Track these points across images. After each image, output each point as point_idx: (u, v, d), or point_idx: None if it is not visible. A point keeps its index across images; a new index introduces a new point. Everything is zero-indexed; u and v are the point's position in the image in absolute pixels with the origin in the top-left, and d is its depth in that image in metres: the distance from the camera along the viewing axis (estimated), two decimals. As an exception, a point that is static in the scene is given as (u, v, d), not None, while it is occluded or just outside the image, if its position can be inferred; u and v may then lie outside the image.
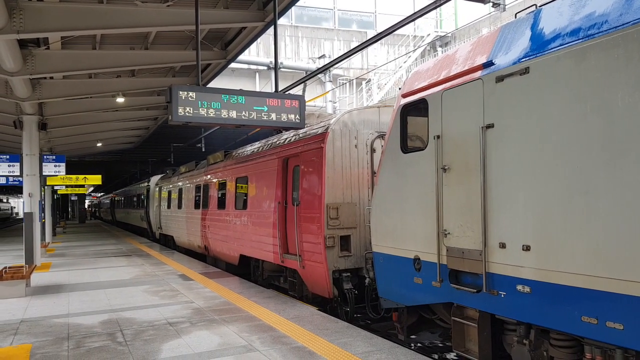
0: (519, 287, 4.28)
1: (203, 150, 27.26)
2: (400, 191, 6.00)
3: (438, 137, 5.38)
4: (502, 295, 4.43)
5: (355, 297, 8.01)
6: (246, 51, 21.56)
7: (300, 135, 9.17)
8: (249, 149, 12.10)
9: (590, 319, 3.72)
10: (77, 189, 38.53)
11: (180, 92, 6.07)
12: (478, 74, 4.89)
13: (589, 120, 3.78)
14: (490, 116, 4.67)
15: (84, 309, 7.86)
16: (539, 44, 4.31)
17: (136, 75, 13.28)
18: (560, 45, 4.08)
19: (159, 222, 21.81)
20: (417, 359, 5.03)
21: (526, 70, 4.35)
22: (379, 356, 5.10)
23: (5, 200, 79.18)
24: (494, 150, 4.60)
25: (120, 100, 13.15)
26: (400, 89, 6.59)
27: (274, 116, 6.65)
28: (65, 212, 54.37)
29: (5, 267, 9.60)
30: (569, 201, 3.88)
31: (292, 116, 6.71)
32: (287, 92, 15.32)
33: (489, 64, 4.80)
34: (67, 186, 29.03)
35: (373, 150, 8.45)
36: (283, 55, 22.64)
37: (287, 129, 7.05)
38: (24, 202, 13.36)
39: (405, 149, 6.02)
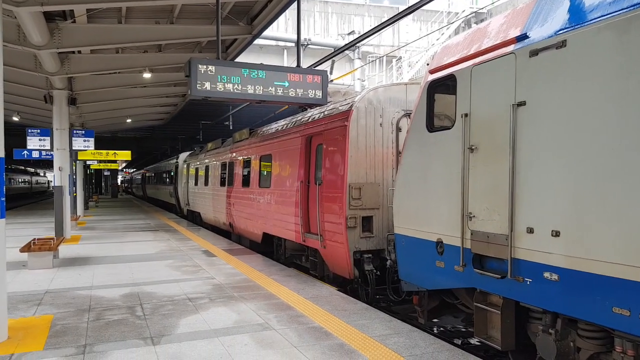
0: (547, 275, 4.04)
1: (231, 128, 27.35)
2: (425, 172, 5.77)
3: (466, 115, 5.10)
4: (528, 282, 4.20)
5: (376, 278, 7.88)
6: (274, 27, 21.30)
7: (324, 113, 8.96)
8: (274, 126, 11.97)
9: (622, 311, 3.46)
10: (109, 164, 39.49)
11: (200, 66, 5.94)
12: (510, 47, 4.57)
13: (631, 98, 3.46)
14: (522, 93, 4.37)
15: (107, 282, 7.99)
16: (578, 15, 3.96)
17: (162, 50, 13.24)
18: (602, 16, 3.73)
19: (187, 199, 22.12)
20: (435, 343, 4.87)
21: (563, 44, 4.02)
22: (396, 339, 4.96)
23: (42, 175, 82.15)
24: (525, 130, 4.31)
25: (147, 75, 13.18)
26: (428, 64, 6.30)
27: (295, 92, 6.46)
28: (98, 186, 55.96)
29: (34, 239, 9.86)
30: (605, 185, 3.59)
31: (314, 92, 6.51)
32: (309, 67, 15.04)
33: (522, 37, 4.47)
34: (98, 161, 29.70)
35: (399, 130, 8.19)
36: (312, 31, 22.25)
37: (310, 106, 6.85)
38: (54, 175, 13.68)
39: (431, 127, 5.76)
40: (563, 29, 4.04)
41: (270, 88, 6.26)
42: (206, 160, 18.41)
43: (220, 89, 5.96)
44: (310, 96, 6.50)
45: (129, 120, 23.11)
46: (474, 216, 4.86)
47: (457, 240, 5.13)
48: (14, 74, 13.61)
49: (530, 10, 4.57)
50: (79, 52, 12.58)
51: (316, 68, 17.55)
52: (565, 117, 3.95)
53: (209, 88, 5.92)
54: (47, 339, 5.10)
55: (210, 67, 5.95)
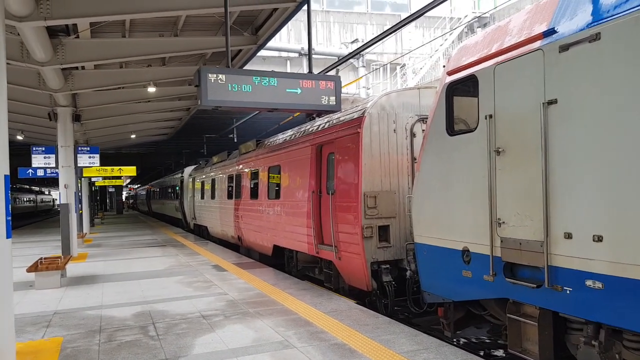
0: (589, 283, 3.77)
1: (235, 140, 27.21)
2: (446, 177, 5.53)
3: (490, 116, 4.87)
4: (568, 292, 3.93)
5: (394, 290, 7.60)
6: (277, 38, 21.18)
7: (335, 121, 8.76)
8: (281, 137, 11.78)
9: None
10: (114, 180, 39.39)
11: (210, 75, 5.75)
12: (537, 44, 4.35)
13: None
14: (553, 90, 4.14)
15: (117, 301, 7.75)
16: (613, 5, 3.75)
17: (167, 64, 13.12)
18: (639, 5, 3.51)
19: (193, 213, 21.91)
20: (467, 358, 4.60)
21: (597, 37, 3.80)
22: (426, 355, 4.69)
23: (47, 193, 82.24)
24: (558, 129, 4.07)
25: (151, 90, 13.04)
26: (444, 66, 6.09)
27: (308, 99, 6.26)
28: (103, 203, 55.87)
29: (41, 258, 9.64)
30: (653, 184, 3.35)
31: (327, 98, 6.31)
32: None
33: (550, 32, 4.25)
34: (103, 178, 29.59)
35: (413, 135, 7.97)
36: (314, 41, 22.18)
37: (323, 113, 6.64)
38: (59, 193, 13.50)
39: (451, 131, 5.54)
40: (596, 21, 3.82)
41: (282, 96, 6.06)
42: (212, 174, 18.22)
43: (232, 97, 5.76)
44: (324, 103, 6.30)
45: (133, 136, 23.00)
46: (503, 222, 4.61)
47: (485, 248, 4.87)
48: (18, 92, 13.50)
49: (557, 5, 4.36)
50: (83, 67, 12.47)
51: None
52: (601, 113, 3.72)
53: (219, 97, 5.73)
54: (58, 364, 4.86)
55: (220, 76, 5.76)
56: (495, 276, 4.77)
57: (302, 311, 6.67)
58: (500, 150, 4.72)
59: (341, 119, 8.55)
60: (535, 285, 4.20)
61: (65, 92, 12.27)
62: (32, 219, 53.38)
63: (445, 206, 5.57)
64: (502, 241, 4.61)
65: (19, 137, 19.76)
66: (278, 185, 11.27)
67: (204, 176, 19.82)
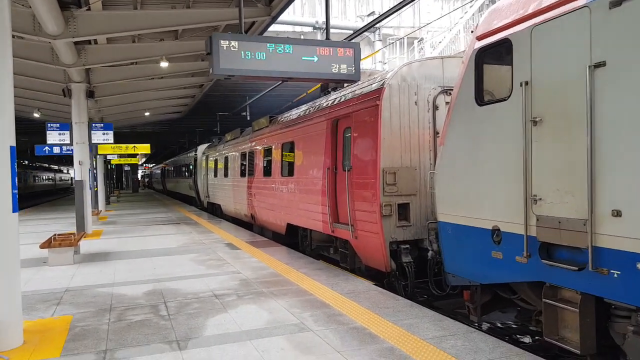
0: None
1: (248, 118, 26.86)
2: (475, 151, 5.13)
3: (526, 83, 4.44)
4: (615, 275, 3.56)
5: (414, 271, 7.28)
6: (290, 10, 20.60)
7: (351, 94, 8.35)
8: (295, 112, 11.40)
9: None
10: (129, 159, 39.51)
11: (222, 42, 5.38)
12: (582, 1, 3.89)
13: None
14: (601, 52, 3.70)
15: (129, 278, 7.58)
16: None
17: (179, 38, 12.75)
18: None
19: (207, 191, 21.78)
20: (500, 346, 4.27)
21: (656, -12, 3.34)
22: (453, 342, 4.38)
23: (66, 171, 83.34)
24: (606, 93, 3.64)
25: (164, 64, 12.70)
26: (472, 31, 5.63)
27: (324, 67, 5.86)
28: (120, 181, 56.35)
29: (54, 234, 9.52)
30: None
31: (345, 67, 5.91)
32: None
33: (598, -14, 3.78)
34: (118, 156, 29.60)
35: (435, 108, 7.54)
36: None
37: (341, 82, 6.25)
38: (74, 170, 13.38)
39: (481, 100, 5.12)
40: (657, -30, 3.35)
41: (297, 64, 5.68)
42: (225, 151, 17.97)
43: (245, 66, 5.40)
44: (342, 71, 5.90)
45: (147, 114, 22.81)
46: (540, 199, 4.23)
47: (518, 227, 4.50)
48: (32, 67, 13.30)
49: (606, -45, 3.88)
50: (95, 42, 12.17)
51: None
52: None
53: (232, 66, 5.36)
54: (65, 344, 4.66)
55: (233, 43, 5.39)
56: (529, 257, 4.41)
57: (318, 292, 6.40)
58: (537, 120, 4.31)
59: (357, 92, 8.14)
60: (576, 268, 3.83)
61: (79, 67, 12.01)
62: (51, 196, 54.13)
63: (473, 182, 5.19)
64: (538, 220, 4.23)
65: (36, 115, 19.69)
66: (292, 162, 10.94)
67: (217, 154, 19.59)
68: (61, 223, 17.04)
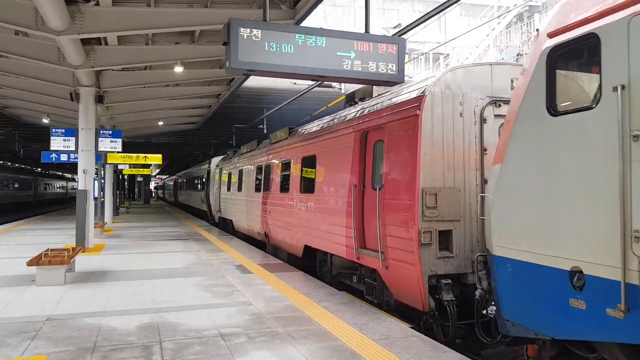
0: None
1: (265, 131, 26.07)
2: (547, 171, 4.09)
3: (622, 87, 3.41)
4: None
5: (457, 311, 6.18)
6: (314, 15, 19.80)
7: (385, 103, 7.36)
8: (318, 123, 10.45)
9: None
10: (142, 170, 38.96)
11: (242, 30, 4.45)
12: None
13: None
14: None
15: (124, 306, 6.58)
16: None
17: (196, 41, 11.96)
18: None
19: (219, 205, 20.87)
20: None
21: None
22: None
23: (76, 179, 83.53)
24: None
25: (179, 70, 11.91)
26: (538, 29, 4.63)
27: (362, 65, 4.89)
28: (131, 192, 55.87)
29: (48, 249, 8.60)
30: None
31: (386, 66, 4.93)
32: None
33: None
34: (130, 166, 28.93)
35: (483, 121, 6.51)
36: (353, 27, 20.76)
37: (381, 84, 5.26)
38: (78, 178, 12.56)
39: (554, 110, 4.09)
40: None
41: (331, 59, 4.71)
42: (240, 164, 17.07)
43: (267, 59, 4.44)
44: (382, 71, 4.95)
45: (160, 123, 22.12)
46: (652, 237, 3.16)
47: (611, 271, 3.44)
48: (39, 69, 12.63)
49: None
50: (106, 42, 11.44)
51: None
52: None
53: (253, 59, 4.42)
54: (28, 399, 3.66)
55: (255, 32, 4.45)
56: (627, 312, 3.32)
57: (345, 335, 5.33)
58: (638, 134, 3.28)
59: (393, 100, 7.15)
60: None
61: (87, 68, 11.26)
62: (62, 205, 53.81)
63: (544, 210, 4.13)
64: (648, 264, 3.16)
65: (45, 121, 19.09)
66: (312, 177, 9.95)
67: (231, 167, 18.71)
68: (65, 234, 16.21)
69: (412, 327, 5.86)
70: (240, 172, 16.79)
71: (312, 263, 10.52)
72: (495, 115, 6.58)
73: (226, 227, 19.99)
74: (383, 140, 7.23)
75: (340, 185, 8.52)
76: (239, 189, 16.69)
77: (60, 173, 67.65)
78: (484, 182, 6.46)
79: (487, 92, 6.56)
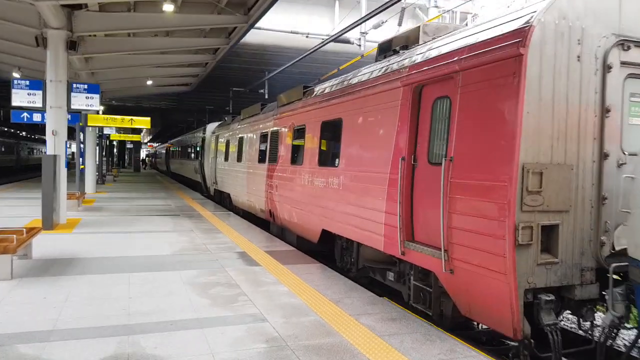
0: None
1: (266, 97, 23.84)
2: None
3: None
4: None
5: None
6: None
7: (454, 45, 5.29)
8: (341, 81, 8.35)
9: None
10: (132, 136, 36.61)
11: None
12: None
13: None
14: None
15: (83, 321, 4.62)
16: None
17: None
18: None
19: (214, 177, 18.83)
20: None
21: None
22: None
23: (69, 145, 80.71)
24: None
25: (168, 7, 9.65)
26: None
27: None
28: (121, 160, 53.52)
29: (-5, 230, 6.61)
30: None
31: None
32: (368, 19, 11.28)
33: None
34: (118, 130, 26.66)
35: (607, 69, 4.50)
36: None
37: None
38: (47, 142, 10.45)
39: None
40: None
41: None
42: (240, 131, 14.96)
43: None
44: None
45: (149, 82, 19.77)
46: None
47: None
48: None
49: None
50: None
51: (382, 24, 13.76)
52: None
53: None
54: None
55: None
56: None
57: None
58: None
59: (468, 40, 5.08)
60: None
61: (50, 0, 8.99)
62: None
63: None
64: None
65: (16, 75, 16.70)
66: (336, 147, 7.94)
67: (229, 134, 16.58)
68: (39, 206, 14.14)
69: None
70: (241, 140, 14.69)
71: (327, 248, 8.64)
72: (621, 63, 4.58)
73: (222, 200, 18.02)
74: (450, 96, 5.21)
75: (377, 157, 6.52)
76: (239, 159, 14.63)
77: (40, 136, 64.92)
78: (604, 156, 4.51)
79: (613, 28, 4.55)
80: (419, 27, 6.96)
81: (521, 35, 4.26)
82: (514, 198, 4.18)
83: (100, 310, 4.92)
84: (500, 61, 4.43)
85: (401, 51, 6.98)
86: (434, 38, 6.42)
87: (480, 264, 4.54)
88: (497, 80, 4.47)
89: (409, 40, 7.08)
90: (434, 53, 5.62)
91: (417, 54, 6.07)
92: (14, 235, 6.18)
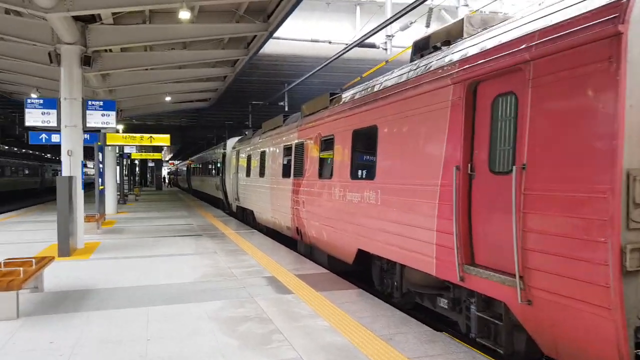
0: None
1: (286, 109, 23.24)
2: None
3: None
4: None
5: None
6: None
7: (517, 32, 4.48)
8: (373, 84, 7.58)
9: None
10: (152, 154, 36.52)
11: None
12: None
13: None
14: None
15: (95, 370, 3.91)
16: None
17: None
18: None
19: (236, 193, 18.21)
20: None
21: None
22: None
23: (92, 166, 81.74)
24: None
25: (184, 15, 9.07)
26: None
27: None
28: (143, 178, 53.63)
29: (6, 260, 5.97)
30: None
31: None
32: (394, 20, 10.54)
33: None
34: (138, 149, 26.39)
35: None
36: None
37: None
38: (62, 163, 9.94)
39: None
40: None
41: None
42: (261, 145, 14.30)
43: None
44: None
45: (168, 99, 19.37)
46: None
47: None
48: (8, 22, 9.96)
49: None
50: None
51: (409, 26, 13.01)
52: None
53: None
54: None
55: None
56: None
57: None
58: None
59: (535, 25, 4.27)
60: None
61: (61, 12, 8.50)
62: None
63: None
64: None
65: (33, 96, 16.46)
66: (371, 157, 7.16)
67: (250, 148, 15.96)
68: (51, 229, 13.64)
69: None
70: (263, 155, 14.04)
71: (362, 269, 7.83)
72: None
73: (245, 217, 17.35)
74: (516, 92, 4.39)
75: (422, 167, 5.71)
76: (261, 174, 13.95)
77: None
78: None
79: None
80: (462, 19, 6.19)
81: (618, 9, 3.43)
82: (617, 213, 3.32)
83: (114, 357, 4.18)
84: (589, 44, 3.60)
85: (443, 47, 6.19)
86: (484, 29, 5.62)
87: (571, 294, 3.67)
88: (585, 68, 3.64)
89: (450, 35, 6.29)
90: (491, 43, 4.82)
91: (468, 47, 5.28)
92: (21, 269, 5.52)
